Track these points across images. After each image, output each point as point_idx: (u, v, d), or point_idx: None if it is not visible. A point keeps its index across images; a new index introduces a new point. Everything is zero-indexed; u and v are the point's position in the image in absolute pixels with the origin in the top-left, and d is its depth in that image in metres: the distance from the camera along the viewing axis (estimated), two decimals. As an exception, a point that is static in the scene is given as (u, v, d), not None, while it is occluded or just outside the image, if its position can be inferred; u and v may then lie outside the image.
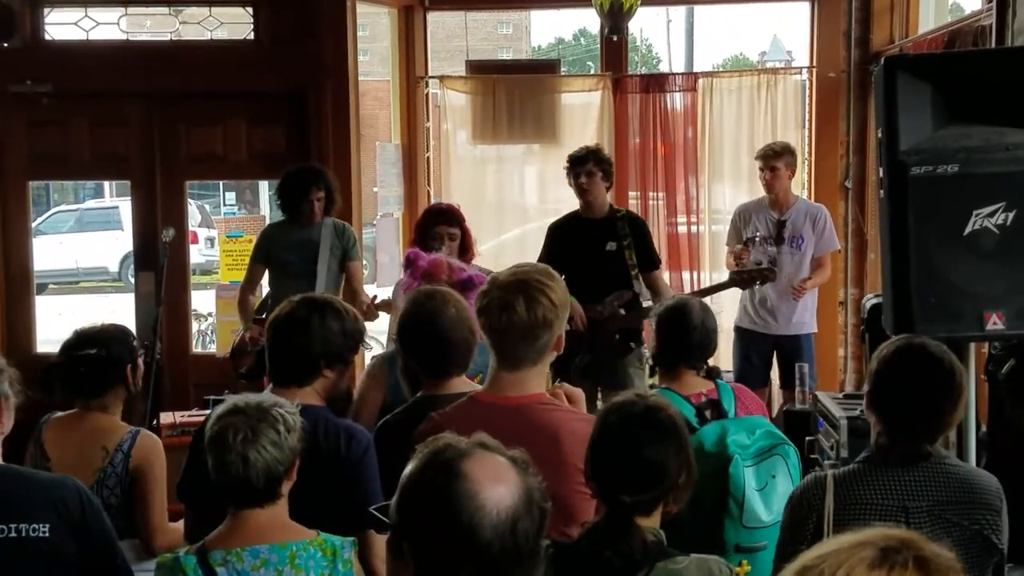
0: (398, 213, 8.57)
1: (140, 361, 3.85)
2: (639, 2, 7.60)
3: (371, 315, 6.38)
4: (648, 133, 8.46)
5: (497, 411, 2.88)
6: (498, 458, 1.84)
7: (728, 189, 8.50)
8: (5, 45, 7.44)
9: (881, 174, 3.74)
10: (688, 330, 3.85)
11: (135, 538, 3.60)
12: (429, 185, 8.71)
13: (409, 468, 1.85)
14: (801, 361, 6.57)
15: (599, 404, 5.07)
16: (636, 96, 8.44)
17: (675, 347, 3.89)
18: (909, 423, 2.92)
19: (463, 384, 3.28)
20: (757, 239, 6.94)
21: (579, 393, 3.08)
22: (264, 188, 24.17)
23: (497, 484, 1.78)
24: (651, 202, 8.53)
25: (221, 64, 7.52)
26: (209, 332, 11.42)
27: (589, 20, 32.80)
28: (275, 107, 7.65)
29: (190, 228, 9.20)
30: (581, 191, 6.32)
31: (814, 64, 8.18)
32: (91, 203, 23.88)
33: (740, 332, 7.16)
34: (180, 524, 3.50)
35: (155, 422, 5.60)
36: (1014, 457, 4.13)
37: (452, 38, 22.02)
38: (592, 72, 10.21)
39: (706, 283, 8.43)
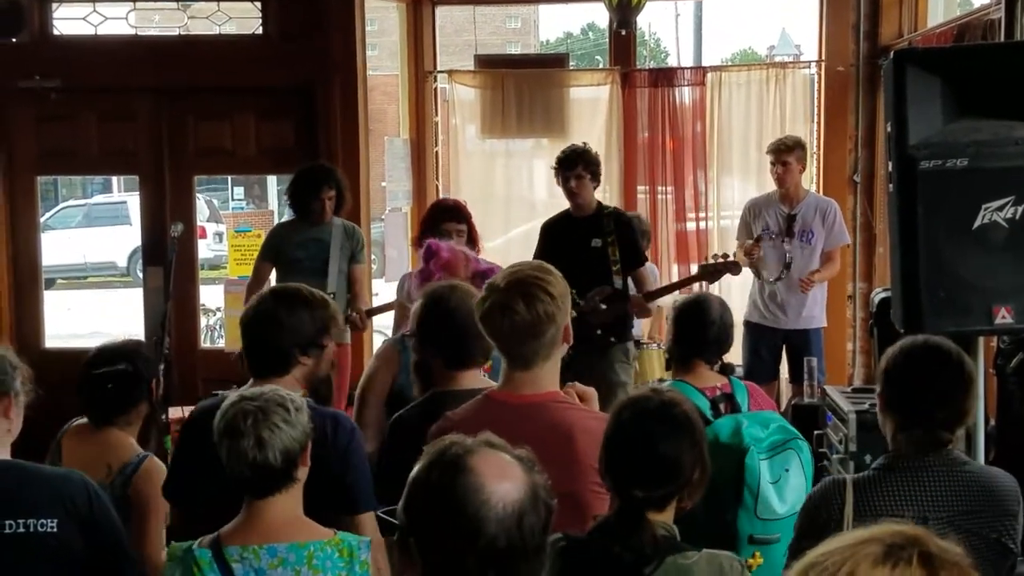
0: (407, 208, 8.57)
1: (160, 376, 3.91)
2: (647, -4, 7.59)
3: (362, 325, 6.40)
4: (657, 127, 8.46)
5: (511, 410, 2.87)
6: (503, 455, 1.85)
7: (737, 183, 8.49)
8: (14, 40, 7.46)
9: (890, 168, 3.73)
10: (706, 325, 3.87)
11: None
12: (438, 180, 8.71)
13: (416, 468, 1.86)
14: (810, 355, 6.58)
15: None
16: (645, 90, 8.43)
17: (692, 341, 3.90)
18: (924, 411, 2.91)
19: (476, 380, 3.28)
20: (769, 234, 6.94)
21: (591, 392, 3.08)
22: (272, 183, 24.22)
23: (503, 480, 1.79)
24: (660, 196, 8.53)
25: (230, 59, 7.53)
26: (217, 327, 11.44)
27: (597, 14, 32.79)
28: (284, 102, 7.66)
29: (198, 223, 9.21)
30: (570, 194, 6.39)
31: (823, 58, 8.16)
32: (99, 198, 23.88)
33: (749, 326, 7.16)
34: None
35: (164, 416, 5.62)
36: (1023, 451, 4.13)
37: (461, 32, 22.03)
38: (601, 66, 10.21)
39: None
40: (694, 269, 8.37)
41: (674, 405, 2.61)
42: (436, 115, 8.70)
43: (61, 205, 22.90)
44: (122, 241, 20.02)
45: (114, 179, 23.25)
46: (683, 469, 2.54)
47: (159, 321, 6.61)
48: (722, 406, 3.70)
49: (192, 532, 2.84)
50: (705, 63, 25.79)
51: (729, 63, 22.62)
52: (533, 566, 1.81)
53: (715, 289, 7.43)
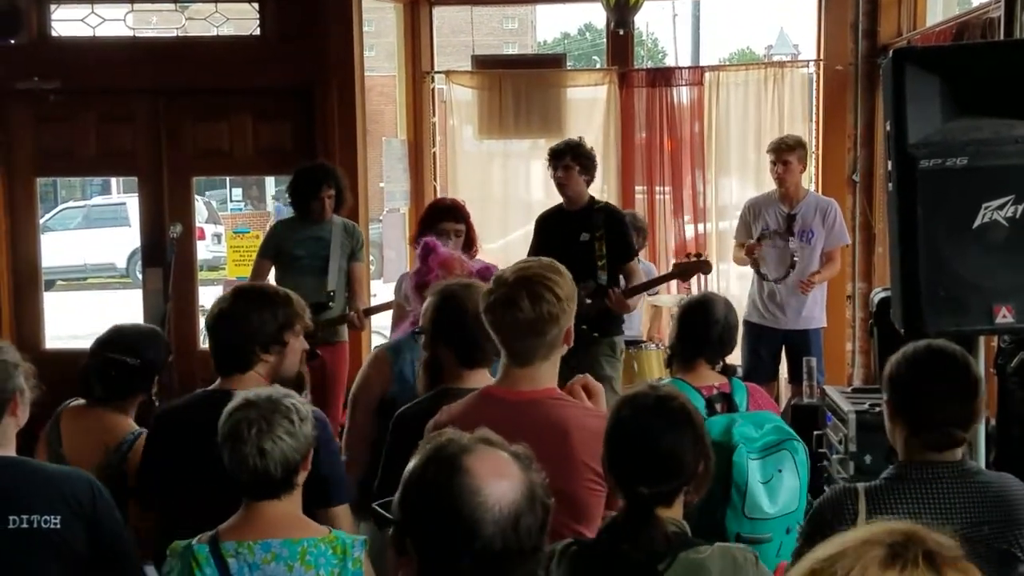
0: (404, 208, 8.57)
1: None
2: (645, -4, 7.59)
3: (360, 324, 6.40)
4: (654, 127, 8.45)
5: (507, 406, 2.87)
6: (501, 453, 1.84)
7: (735, 183, 8.49)
8: (12, 42, 7.46)
9: (889, 167, 3.72)
10: (710, 324, 3.87)
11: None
12: (435, 180, 8.70)
13: (411, 464, 1.85)
14: (809, 355, 6.57)
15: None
16: (642, 90, 8.42)
17: (696, 340, 3.89)
18: (934, 413, 2.89)
19: (484, 379, 3.26)
20: (771, 232, 6.95)
21: (599, 387, 3.07)
22: (271, 184, 24.21)
23: (499, 479, 1.79)
24: (658, 197, 8.53)
25: (227, 60, 7.53)
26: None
27: (595, 14, 32.78)
28: (281, 103, 7.66)
29: (197, 224, 9.20)
30: (559, 184, 6.43)
31: (821, 57, 8.16)
32: (98, 199, 23.89)
33: (749, 326, 7.15)
34: None
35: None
36: (1023, 451, 4.12)
37: (458, 33, 22.01)
38: (598, 66, 10.20)
39: (714, 278, 8.43)
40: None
41: (671, 399, 2.60)
42: (433, 116, 8.69)
43: (60, 207, 22.91)
44: (121, 242, 20.00)
45: (113, 181, 23.27)
46: (686, 462, 2.53)
47: (158, 322, 6.61)
48: (718, 406, 3.70)
49: (167, 533, 2.91)
50: (703, 63, 25.80)
51: (727, 63, 22.59)
52: (530, 566, 1.80)
53: (714, 289, 7.45)
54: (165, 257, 7.05)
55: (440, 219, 5.60)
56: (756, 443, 3.46)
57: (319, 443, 3.13)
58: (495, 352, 3.26)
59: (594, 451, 2.79)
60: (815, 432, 5.48)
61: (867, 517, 2.81)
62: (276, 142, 7.69)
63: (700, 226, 8.53)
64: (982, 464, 3.62)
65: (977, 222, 3.55)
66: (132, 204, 14.78)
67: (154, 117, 7.67)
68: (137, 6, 7.99)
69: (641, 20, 9.06)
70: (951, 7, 7.53)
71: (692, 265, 6.39)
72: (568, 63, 9.48)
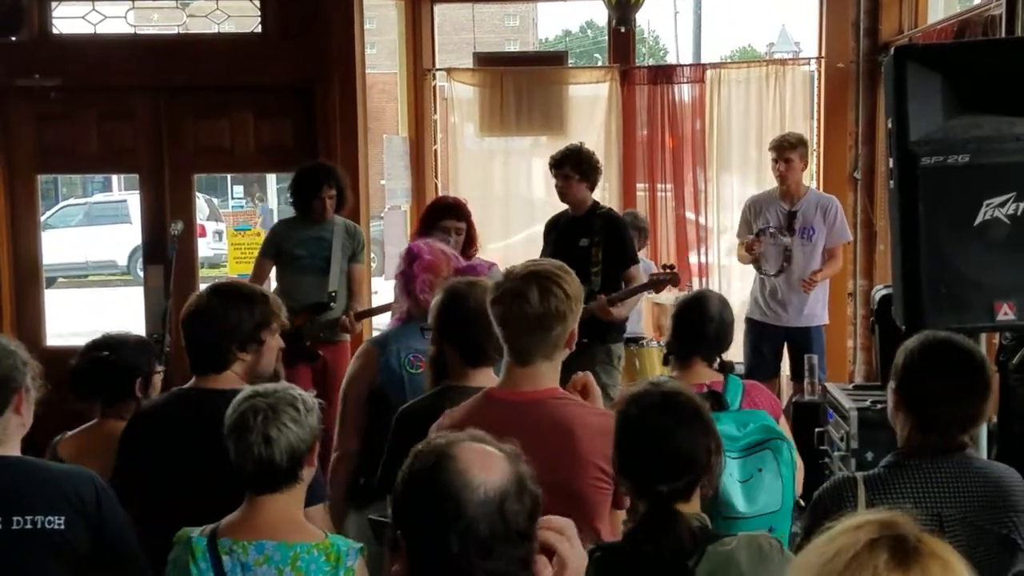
0: (406, 206, 8.57)
1: (156, 377, 3.86)
2: (646, -7, 7.59)
3: (351, 328, 6.39)
4: (656, 125, 8.46)
5: (510, 407, 2.87)
6: (488, 447, 1.87)
7: (736, 180, 8.49)
8: (13, 39, 7.45)
9: (891, 165, 3.73)
10: (705, 321, 3.85)
11: None
12: (437, 178, 8.70)
13: (404, 464, 1.88)
14: (811, 352, 6.57)
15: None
16: (644, 88, 8.43)
17: (691, 338, 3.88)
18: (944, 416, 2.89)
19: (488, 379, 3.26)
20: (770, 230, 6.95)
21: (596, 388, 3.07)
22: (272, 181, 24.21)
23: (486, 466, 1.82)
24: (659, 194, 8.53)
25: (228, 57, 7.52)
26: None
27: (596, 12, 32.79)
28: (282, 100, 7.65)
29: (198, 221, 9.21)
30: (560, 193, 6.48)
31: (823, 55, 8.16)
32: (99, 197, 23.90)
33: (751, 323, 7.16)
34: None
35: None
36: (1024, 448, 4.12)
37: (459, 31, 22.01)
38: (599, 64, 10.20)
39: (715, 276, 8.44)
40: (694, 264, 8.43)
41: (677, 394, 2.59)
42: (435, 113, 8.70)
43: (61, 204, 22.91)
44: (122, 240, 20.00)
45: (114, 178, 23.27)
46: (699, 456, 2.52)
47: (160, 319, 6.61)
48: (707, 404, 3.67)
49: (144, 532, 2.95)
50: (704, 60, 25.78)
51: (728, 60, 22.61)
52: (518, 553, 1.81)
53: (715, 287, 7.44)
54: (166, 254, 7.04)
55: (441, 217, 5.60)
56: (738, 442, 3.44)
57: None
58: (499, 351, 3.27)
59: (599, 449, 2.79)
60: (816, 429, 5.48)
61: (867, 505, 2.82)
62: (277, 139, 7.68)
63: (701, 224, 8.53)
64: (983, 461, 3.62)
65: (978, 219, 3.55)
66: (133, 201, 14.79)
67: (155, 114, 7.66)
68: (138, 3, 7.98)
69: (643, 17, 9.07)
70: (952, 5, 7.53)
71: (663, 279, 6.39)
72: (569, 60, 9.47)
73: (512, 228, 8.81)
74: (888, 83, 3.75)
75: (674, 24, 33.71)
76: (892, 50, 3.84)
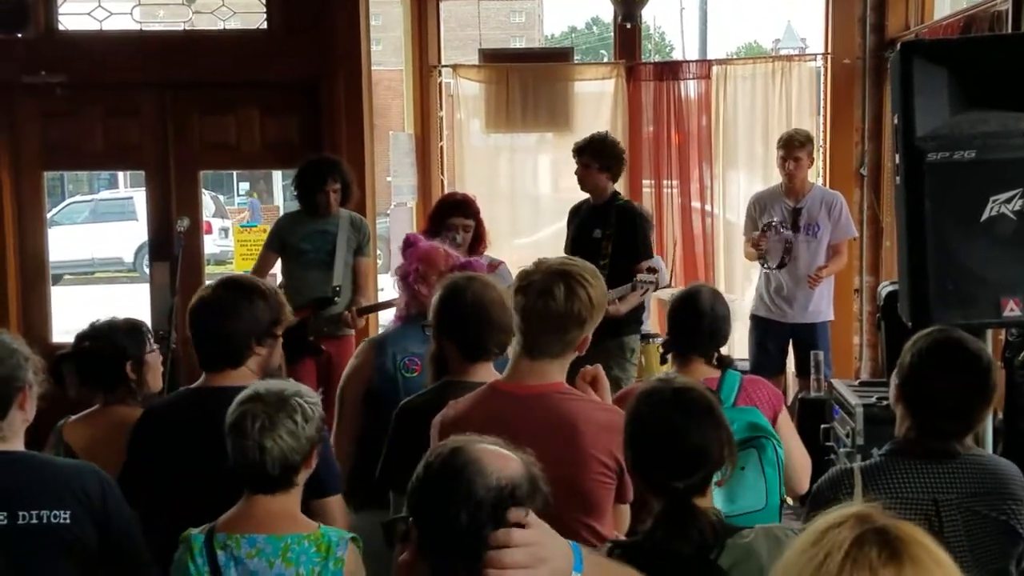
0: (412, 202, 8.57)
1: (150, 357, 3.82)
2: (652, -11, 7.58)
3: (352, 324, 6.38)
4: (662, 121, 8.46)
5: (515, 400, 2.87)
6: (503, 450, 1.91)
7: (742, 177, 8.49)
8: (19, 36, 7.45)
9: (897, 160, 3.72)
10: (697, 316, 3.79)
11: None
12: (443, 174, 8.71)
13: (423, 458, 1.91)
14: (816, 349, 6.56)
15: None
16: (650, 84, 8.42)
17: (685, 334, 3.84)
18: (942, 422, 2.89)
19: (488, 374, 3.26)
20: (774, 224, 6.94)
21: (605, 381, 3.06)
22: (278, 178, 24.25)
23: (499, 459, 1.87)
24: (665, 190, 8.53)
25: (234, 54, 7.52)
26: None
27: (602, 8, 32.78)
28: (288, 97, 7.65)
29: (204, 218, 9.22)
30: (578, 180, 6.50)
31: (829, 51, 8.15)
32: (106, 193, 23.94)
33: (756, 320, 7.15)
34: None
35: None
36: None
37: (465, 27, 22.03)
38: (605, 60, 10.20)
39: (720, 271, 8.44)
40: (699, 261, 8.43)
41: (689, 390, 2.57)
42: (441, 110, 8.70)
43: (68, 201, 22.95)
44: (129, 236, 20.04)
45: (120, 174, 23.29)
46: (712, 451, 2.50)
47: (166, 316, 6.62)
48: (717, 397, 3.65)
49: (150, 531, 2.95)
50: (710, 56, 25.73)
51: (734, 56, 22.54)
52: None
53: (717, 284, 7.43)
54: (173, 251, 7.04)
55: (449, 214, 5.59)
56: None
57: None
58: (498, 346, 3.27)
59: (603, 444, 2.79)
60: (822, 425, 5.48)
61: (865, 495, 2.82)
62: (283, 136, 7.68)
63: (707, 219, 8.52)
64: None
65: (985, 215, 3.55)
66: (139, 198, 14.84)
67: (161, 111, 7.67)
68: (144, 0, 7.99)
69: (648, 14, 9.07)
70: (959, 0, 7.51)
71: (645, 286, 6.36)
72: (575, 57, 9.49)
73: (518, 225, 8.81)
74: (894, 79, 3.75)
75: (680, 20, 33.68)
76: (898, 46, 3.84)
